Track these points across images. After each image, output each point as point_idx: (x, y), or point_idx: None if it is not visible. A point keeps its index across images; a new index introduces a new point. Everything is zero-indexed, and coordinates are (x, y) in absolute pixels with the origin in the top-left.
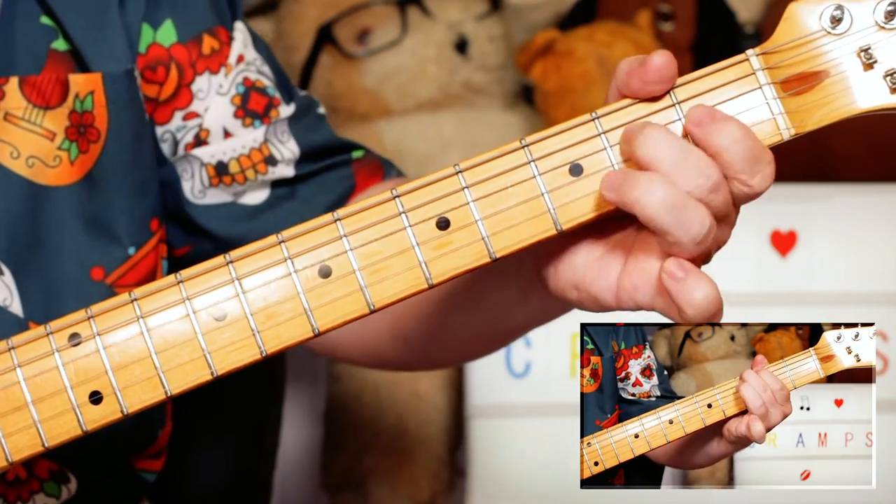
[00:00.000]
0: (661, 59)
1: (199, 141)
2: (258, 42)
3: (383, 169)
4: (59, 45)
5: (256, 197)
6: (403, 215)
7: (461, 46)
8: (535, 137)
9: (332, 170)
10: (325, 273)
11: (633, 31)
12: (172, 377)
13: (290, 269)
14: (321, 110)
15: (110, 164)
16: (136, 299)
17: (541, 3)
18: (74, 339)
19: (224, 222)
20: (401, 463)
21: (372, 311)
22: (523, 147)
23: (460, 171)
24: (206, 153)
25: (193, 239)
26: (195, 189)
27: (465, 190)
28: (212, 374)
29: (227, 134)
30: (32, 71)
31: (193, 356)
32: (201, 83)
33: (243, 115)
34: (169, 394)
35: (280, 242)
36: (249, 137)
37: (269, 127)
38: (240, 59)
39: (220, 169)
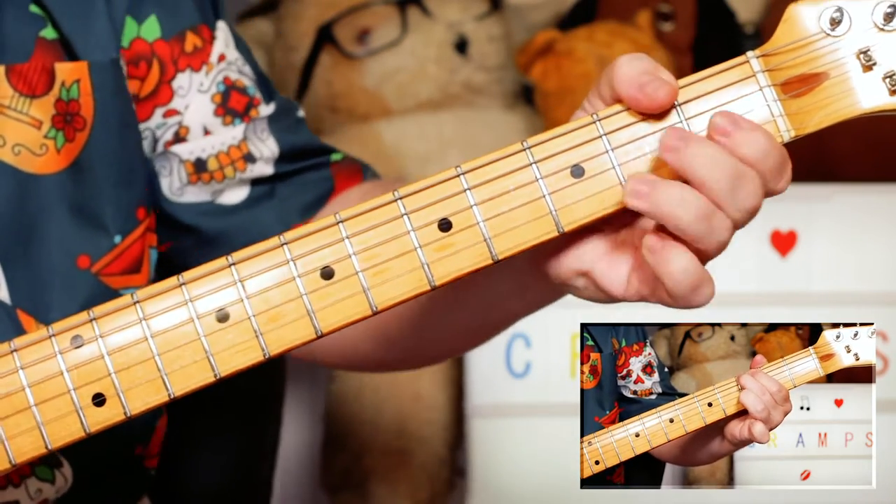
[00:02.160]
0: (665, 91)
1: (179, 138)
2: (239, 42)
3: (362, 172)
4: (48, 33)
5: (235, 196)
6: (406, 217)
7: (461, 46)
8: (536, 139)
9: (311, 171)
10: (328, 275)
11: (633, 31)
12: (175, 379)
13: (292, 271)
14: (300, 113)
15: (96, 152)
16: (138, 301)
17: (541, 3)
18: (77, 341)
19: (203, 218)
20: (401, 463)
21: (374, 313)
22: (525, 149)
23: (462, 174)
24: (184, 150)
25: (173, 235)
26: (173, 186)
27: (468, 192)
28: (215, 375)
29: (206, 132)
30: (20, 59)
31: (196, 358)
32: (182, 80)
33: (223, 113)
34: (172, 396)
35: (282, 244)
36: (229, 135)
37: (249, 125)
38: (221, 58)
39: (199, 166)
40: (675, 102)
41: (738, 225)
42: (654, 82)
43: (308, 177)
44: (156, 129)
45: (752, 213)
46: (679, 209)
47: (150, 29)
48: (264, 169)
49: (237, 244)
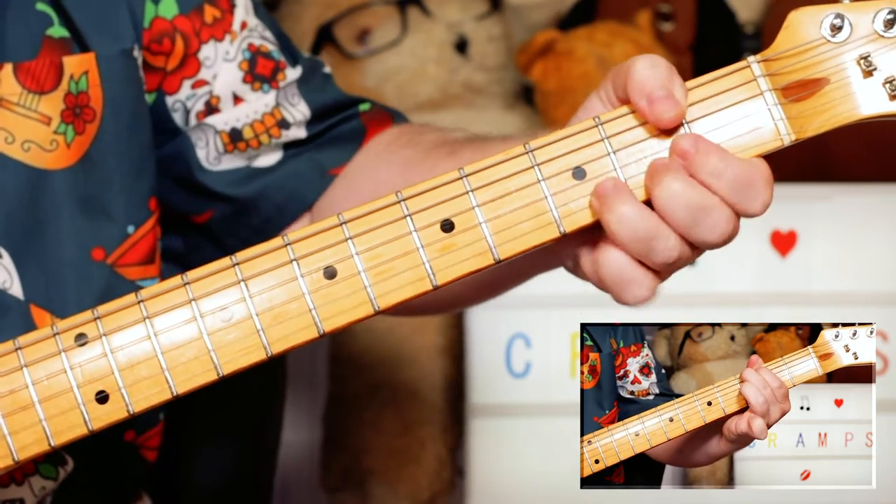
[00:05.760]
0: (674, 114)
1: (211, 108)
2: (258, 8)
3: (392, 117)
4: (55, 31)
5: (270, 159)
6: (408, 218)
7: (461, 46)
8: (538, 142)
9: (343, 123)
10: (331, 275)
11: (633, 31)
12: (178, 377)
13: (295, 271)
14: (327, 70)
15: (107, 143)
16: (142, 300)
17: (541, 3)
18: (81, 339)
19: (238, 186)
20: (401, 463)
21: (377, 313)
22: (527, 152)
23: (465, 176)
24: (219, 121)
25: (212, 203)
26: (210, 156)
27: (470, 193)
28: (218, 374)
29: (237, 99)
30: (27, 57)
31: (199, 357)
32: (207, 51)
33: (252, 80)
34: (175, 393)
35: (286, 245)
36: (261, 103)
37: (280, 91)
38: (243, 25)
39: (235, 135)
40: None
41: (704, 249)
42: (664, 102)
43: (340, 130)
44: (186, 101)
45: (716, 243)
46: (618, 225)
47: (168, 7)
48: (298, 133)
49: (277, 200)
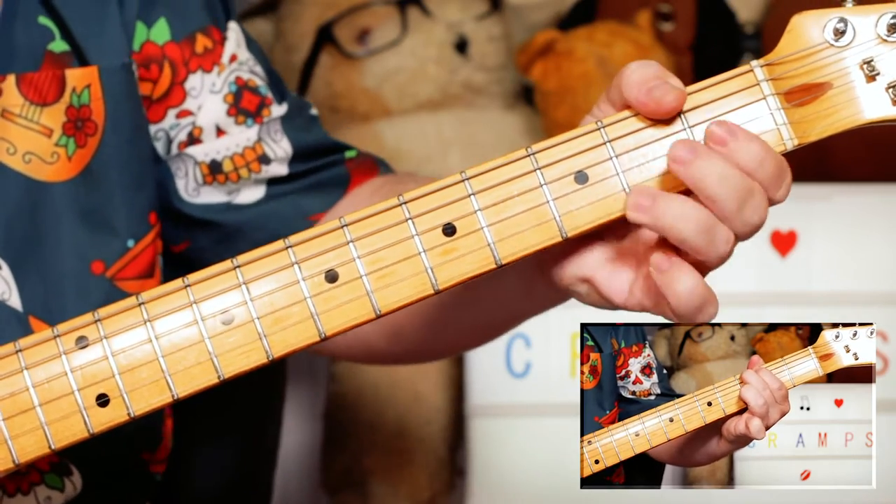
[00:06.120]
0: (672, 97)
1: (193, 139)
2: (251, 43)
3: (377, 166)
4: (56, 46)
5: (251, 195)
6: (410, 222)
7: (461, 46)
8: (541, 146)
9: (327, 168)
10: (332, 278)
11: (633, 31)
12: (179, 380)
13: (297, 274)
14: (313, 111)
15: (108, 156)
16: (143, 303)
17: (541, 3)
18: (81, 341)
19: (220, 214)
20: (401, 463)
21: (378, 316)
22: (529, 155)
23: (466, 179)
24: (199, 151)
25: (189, 233)
26: (189, 187)
27: (472, 197)
28: (219, 377)
29: (219, 132)
30: (30, 68)
31: (200, 360)
32: (194, 81)
33: (236, 114)
34: (176, 397)
35: (287, 248)
36: (243, 136)
37: (263, 126)
38: (233, 58)
39: (214, 167)
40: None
41: (741, 238)
42: (662, 87)
43: (324, 174)
44: (169, 130)
45: (757, 227)
46: (680, 223)
47: (160, 32)
48: (279, 169)
49: (256, 239)
